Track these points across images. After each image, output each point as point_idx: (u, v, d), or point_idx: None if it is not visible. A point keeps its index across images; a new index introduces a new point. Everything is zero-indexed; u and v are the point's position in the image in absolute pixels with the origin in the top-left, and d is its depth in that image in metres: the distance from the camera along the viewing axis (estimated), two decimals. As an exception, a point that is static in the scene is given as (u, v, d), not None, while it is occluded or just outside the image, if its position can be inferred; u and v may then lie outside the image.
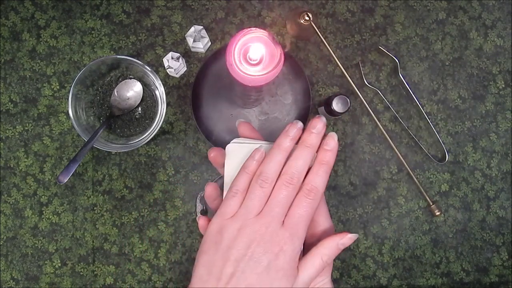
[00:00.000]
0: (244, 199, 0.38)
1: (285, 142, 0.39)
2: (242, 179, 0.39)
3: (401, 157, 0.71)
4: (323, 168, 0.39)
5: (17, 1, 0.71)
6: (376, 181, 0.73)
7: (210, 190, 0.41)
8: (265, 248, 0.37)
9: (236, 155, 0.42)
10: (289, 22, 0.71)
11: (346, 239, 0.40)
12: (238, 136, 0.45)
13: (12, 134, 0.71)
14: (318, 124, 0.39)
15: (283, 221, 0.38)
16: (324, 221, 0.42)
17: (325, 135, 0.40)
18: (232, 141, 0.43)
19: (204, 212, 0.70)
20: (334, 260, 0.72)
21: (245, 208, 0.38)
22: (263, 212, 0.38)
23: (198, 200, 0.70)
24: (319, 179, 0.38)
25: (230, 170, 0.42)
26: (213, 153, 0.43)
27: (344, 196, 0.73)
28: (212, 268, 0.37)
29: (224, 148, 0.43)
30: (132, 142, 0.68)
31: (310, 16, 0.65)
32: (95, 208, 0.71)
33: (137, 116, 0.70)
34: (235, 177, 0.40)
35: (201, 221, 0.41)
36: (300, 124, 0.40)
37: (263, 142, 0.43)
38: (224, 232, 0.38)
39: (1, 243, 0.70)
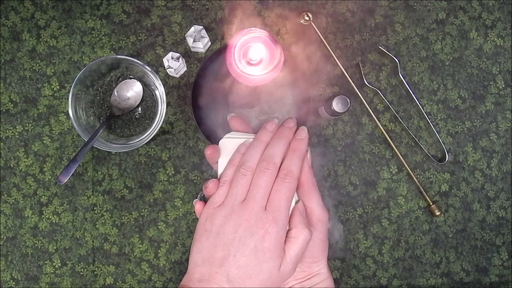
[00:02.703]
0: (230, 188, 0.42)
1: (264, 135, 0.44)
2: (229, 171, 0.43)
3: (401, 157, 0.71)
4: (296, 154, 0.43)
5: (17, 1, 0.71)
6: (376, 181, 0.73)
7: (212, 186, 0.43)
8: (251, 232, 0.39)
9: (228, 149, 0.44)
10: (289, 22, 0.71)
11: (300, 204, 0.43)
12: None
13: (12, 134, 0.71)
14: (290, 121, 0.46)
15: (266, 205, 0.41)
16: (317, 208, 0.44)
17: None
18: (224, 136, 0.45)
19: None
20: (334, 260, 0.72)
21: (230, 196, 0.41)
22: (247, 198, 0.41)
23: (198, 198, 0.70)
24: (293, 163, 0.42)
25: (223, 164, 0.44)
26: (209, 151, 0.45)
27: (344, 196, 0.73)
28: (204, 253, 0.40)
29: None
30: (132, 142, 0.68)
31: (310, 16, 0.65)
32: (95, 208, 0.71)
33: (137, 116, 0.70)
34: (223, 169, 0.44)
35: (198, 205, 0.44)
36: (277, 120, 0.46)
37: (254, 135, 0.45)
38: (213, 220, 0.41)
39: (1, 243, 0.70)
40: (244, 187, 0.41)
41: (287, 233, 0.41)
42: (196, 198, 0.71)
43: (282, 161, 0.43)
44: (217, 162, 0.45)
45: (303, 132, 0.45)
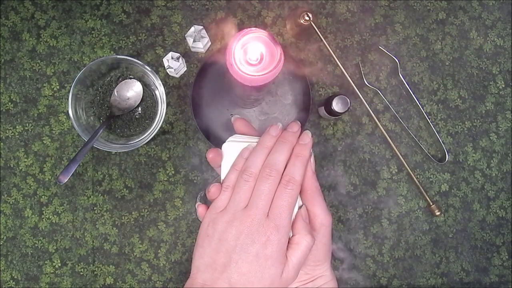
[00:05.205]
0: (232, 194, 0.42)
1: (267, 140, 0.43)
2: (232, 176, 0.43)
3: (401, 157, 0.71)
4: (299, 160, 0.42)
5: (17, 1, 0.71)
6: (376, 181, 0.73)
7: (214, 190, 0.43)
8: (252, 239, 0.39)
9: (231, 153, 0.44)
10: (289, 22, 0.71)
11: (303, 209, 0.43)
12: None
13: (12, 134, 0.71)
14: (294, 125, 0.45)
15: (268, 212, 0.40)
16: (320, 212, 0.44)
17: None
18: (228, 140, 0.44)
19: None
20: (334, 260, 0.72)
21: (233, 202, 0.41)
22: (249, 205, 0.41)
23: (198, 200, 0.70)
24: (296, 169, 0.42)
25: (226, 168, 0.44)
26: (211, 154, 0.45)
27: (344, 196, 0.73)
28: (207, 259, 0.40)
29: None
30: (132, 142, 0.68)
31: (310, 16, 0.65)
32: (95, 208, 0.71)
33: (137, 116, 0.70)
34: (226, 174, 0.43)
35: (200, 208, 0.44)
36: (280, 124, 0.45)
37: (258, 138, 0.45)
38: (215, 225, 0.41)
39: (1, 243, 0.70)
40: (247, 193, 0.41)
41: (289, 239, 0.41)
42: (196, 198, 0.71)
43: (285, 166, 0.42)
44: (220, 165, 0.44)
45: (307, 137, 0.44)
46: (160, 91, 0.66)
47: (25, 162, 0.71)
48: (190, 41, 0.69)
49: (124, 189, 0.71)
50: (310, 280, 0.44)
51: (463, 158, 0.74)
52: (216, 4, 0.72)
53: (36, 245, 0.71)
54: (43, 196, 0.71)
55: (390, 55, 0.70)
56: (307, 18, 0.65)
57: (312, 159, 0.45)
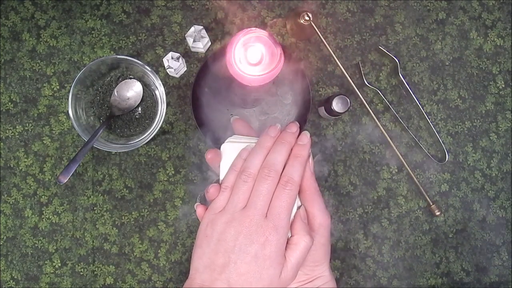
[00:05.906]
0: (231, 194, 0.42)
1: (266, 141, 0.43)
2: (230, 176, 0.43)
3: (401, 157, 0.71)
4: (297, 160, 0.43)
5: (17, 1, 0.71)
6: (376, 181, 0.73)
7: (213, 191, 0.43)
8: (251, 239, 0.39)
9: (230, 154, 0.44)
10: (289, 22, 0.71)
11: (301, 210, 0.43)
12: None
13: (12, 134, 0.71)
14: (293, 126, 0.45)
15: (267, 213, 0.40)
16: (319, 213, 0.44)
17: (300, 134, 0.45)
18: (226, 140, 0.45)
19: None
20: (334, 260, 0.72)
21: (231, 202, 0.41)
22: (248, 205, 0.41)
23: (198, 200, 0.70)
24: (294, 170, 0.42)
25: (225, 169, 0.44)
26: (210, 155, 0.45)
27: (344, 196, 0.73)
28: (205, 260, 0.40)
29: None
30: (132, 142, 0.68)
31: (310, 16, 0.65)
32: (95, 208, 0.71)
33: (137, 116, 0.70)
34: (225, 175, 0.43)
35: (199, 209, 0.44)
36: (279, 125, 0.45)
37: (257, 139, 0.45)
38: (214, 226, 0.41)
39: (1, 243, 0.70)
40: (245, 194, 0.41)
41: (288, 240, 0.41)
42: (196, 199, 0.71)
43: (284, 167, 0.42)
44: (219, 166, 0.44)
45: (306, 138, 0.44)
46: (160, 91, 0.66)
47: (25, 162, 0.71)
48: (190, 41, 0.69)
49: (124, 189, 0.71)
50: (309, 281, 0.44)
51: (463, 158, 0.74)
52: (216, 4, 0.72)
53: (36, 245, 0.71)
54: (43, 196, 0.71)
55: (390, 55, 0.70)
56: (307, 18, 0.65)
57: (310, 160, 0.45)
